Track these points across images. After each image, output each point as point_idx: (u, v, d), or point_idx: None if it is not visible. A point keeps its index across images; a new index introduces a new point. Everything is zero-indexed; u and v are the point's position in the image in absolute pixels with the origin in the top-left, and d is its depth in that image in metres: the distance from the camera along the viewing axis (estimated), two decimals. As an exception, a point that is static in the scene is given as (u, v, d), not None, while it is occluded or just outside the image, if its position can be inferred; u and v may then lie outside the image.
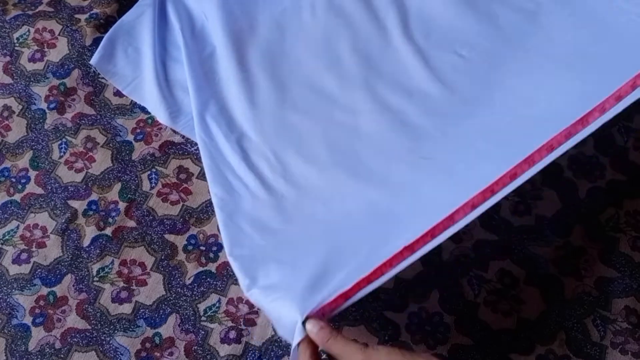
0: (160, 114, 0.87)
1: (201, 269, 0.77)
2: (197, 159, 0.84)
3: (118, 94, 0.91)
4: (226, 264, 0.76)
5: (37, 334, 0.74)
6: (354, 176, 0.72)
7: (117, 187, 0.83)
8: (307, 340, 0.49)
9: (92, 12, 0.97)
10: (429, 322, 0.71)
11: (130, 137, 0.87)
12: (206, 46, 0.90)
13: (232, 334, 0.72)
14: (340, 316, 0.70)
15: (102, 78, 0.92)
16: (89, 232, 0.80)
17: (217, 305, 0.74)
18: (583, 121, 0.55)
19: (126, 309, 0.75)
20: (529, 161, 0.54)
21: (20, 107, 0.91)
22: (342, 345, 0.48)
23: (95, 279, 0.77)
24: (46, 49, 0.94)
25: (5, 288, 0.78)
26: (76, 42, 0.94)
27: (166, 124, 0.87)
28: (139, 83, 0.90)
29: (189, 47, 0.89)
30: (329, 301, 0.52)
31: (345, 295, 0.53)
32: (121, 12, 0.98)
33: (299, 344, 0.50)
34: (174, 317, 0.74)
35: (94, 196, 0.83)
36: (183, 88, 0.88)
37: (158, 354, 0.72)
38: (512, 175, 0.54)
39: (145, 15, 0.96)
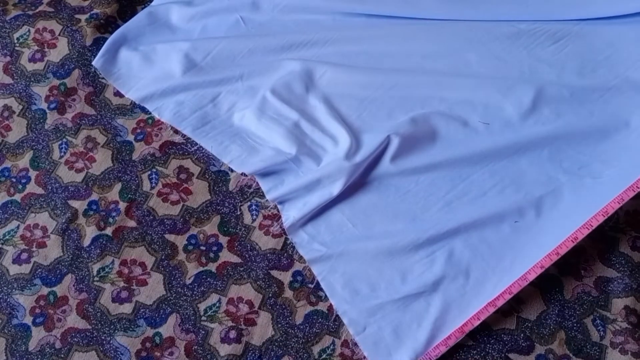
0: (165, 114, 0.87)
1: (201, 268, 0.77)
2: (197, 159, 0.85)
3: (118, 94, 0.91)
4: (226, 264, 0.77)
5: (38, 334, 0.74)
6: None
7: (118, 187, 0.83)
8: None
9: (92, 12, 0.97)
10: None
11: (131, 137, 0.87)
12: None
13: (232, 334, 0.72)
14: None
15: (103, 78, 0.92)
16: (90, 232, 0.80)
17: (217, 305, 0.74)
18: (633, 187, 0.68)
19: (126, 308, 0.75)
20: (588, 226, 0.69)
21: (21, 107, 0.91)
22: None
23: (96, 278, 0.77)
24: (46, 49, 0.94)
25: (5, 288, 0.78)
26: (76, 42, 0.94)
27: (170, 124, 0.87)
28: (143, 85, 0.91)
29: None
30: (432, 347, 0.68)
31: (445, 343, 0.68)
32: (121, 12, 0.98)
33: None
34: (174, 316, 0.74)
35: (94, 196, 0.83)
36: (187, 89, 0.89)
37: (158, 354, 0.72)
38: (574, 239, 0.69)
39: (150, 19, 0.97)
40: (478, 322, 0.68)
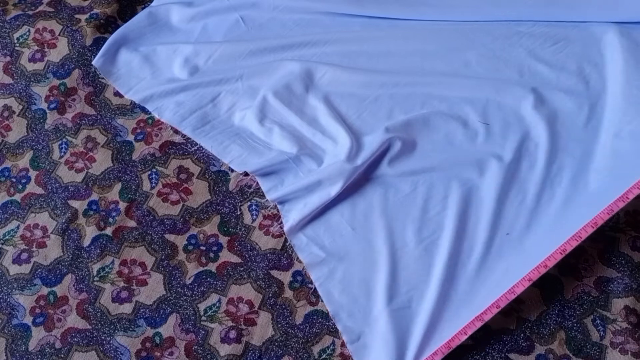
0: (165, 114, 0.88)
1: (201, 268, 0.77)
2: (197, 159, 0.85)
3: (118, 94, 0.91)
4: (226, 264, 0.77)
5: (38, 334, 0.74)
6: None
7: (118, 187, 0.83)
8: None
9: (92, 12, 0.97)
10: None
11: (131, 137, 0.87)
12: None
13: (232, 334, 0.72)
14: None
15: (103, 78, 0.92)
16: (90, 232, 0.80)
17: (217, 305, 0.74)
18: (623, 198, 0.68)
19: (126, 308, 0.75)
20: (577, 237, 0.68)
21: (21, 107, 0.91)
22: None
23: (96, 278, 0.77)
24: (46, 49, 0.94)
25: (5, 288, 0.78)
26: (76, 42, 0.94)
27: (170, 124, 0.87)
28: (143, 86, 0.91)
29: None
30: (435, 352, 0.67)
31: (432, 359, 0.67)
32: (121, 12, 0.98)
33: None
34: (174, 316, 0.74)
35: (94, 196, 0.83)
36: (187, 89, 0.89)
37: (158, 354, 0.72)
38: (562, 251, 0.68)
39: (150, 19, 0.97)
40: (465, 337, 0.67)
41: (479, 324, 0.68)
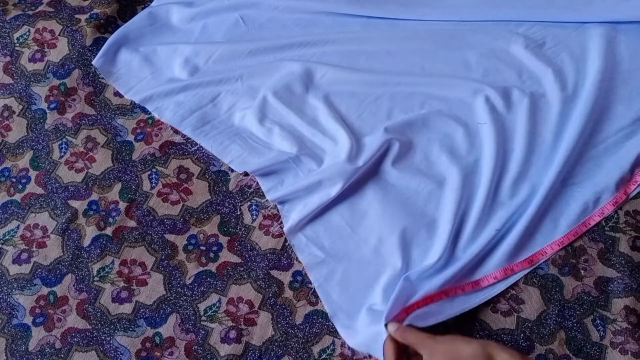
0: (165, 114, 0.88)
1: (201, 268, 0.77)
2: (197, 159, 0.85)
3: (118, 94, 0.91)
4: (226, 264, 0.77)
5: (38, 334, 0.74)
6: None
7: (118, 187, 0.83)
8: (390, 338, 0.62)
9: (92, 12, 0.97)
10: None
11: (131, 137, 0.87)
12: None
13: (232, 334, 0.72)
14: None
15: (103, 78, 0.92)
16: (90, 232, 0.80)
17: (217, 305, 0.74)
18: (586, 223, 0.74)
19: (126, 308, 0.75)
20: (542, 252, 0.73)
21: (21, 107, 0.91)
22: (414, 335, 0.61)
23: (96, 278, 0.77)
24: (46, 49, 0.94)
25: (5, 288, 0.78)
26: (76, 42, 0.94)
27: (170, 124, 0.87)
28: (143, 86, 0.91)
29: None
30: (399, 312, 0.65)
31: (412, 307, 0.66)
32: (121, 12, 0.98)
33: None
34: (174, 316, 0.74)
35: (94, 196, 0.83)
36: (187, 89, 0.89)
37: (158, 354, 0.72)
38: (530, 261, 0.72)
39: (151, 19, 0.97)
40: (424, 304, 0.67)
41: (443, 296, 0.69)
